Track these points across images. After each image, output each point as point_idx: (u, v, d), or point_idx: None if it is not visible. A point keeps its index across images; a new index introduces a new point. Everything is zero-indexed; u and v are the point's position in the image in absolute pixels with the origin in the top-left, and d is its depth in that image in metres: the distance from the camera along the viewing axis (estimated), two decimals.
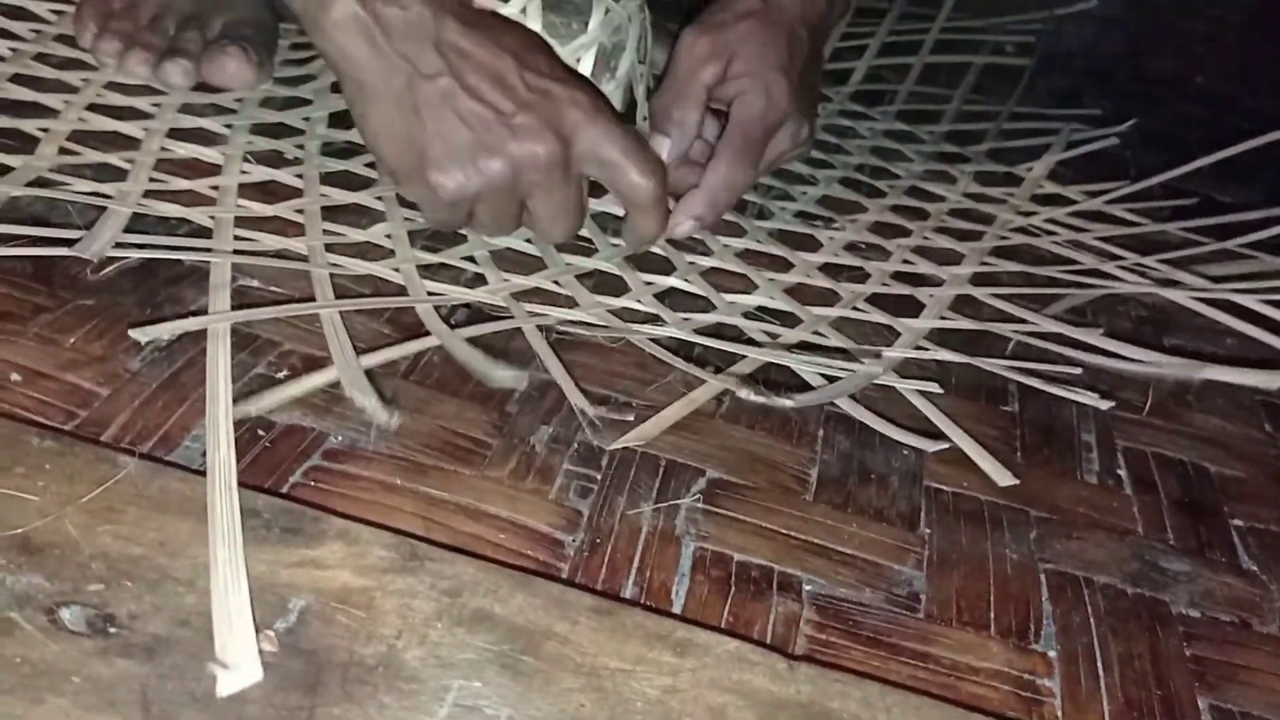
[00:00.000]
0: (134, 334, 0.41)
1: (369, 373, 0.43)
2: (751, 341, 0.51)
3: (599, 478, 0.41)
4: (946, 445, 0.46)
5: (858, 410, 0.48)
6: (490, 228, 0.52)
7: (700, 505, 0.41)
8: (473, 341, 0.46)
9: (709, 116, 0.58)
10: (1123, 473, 0.49)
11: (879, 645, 0.37)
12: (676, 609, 0.36)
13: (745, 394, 0.45)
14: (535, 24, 0.61)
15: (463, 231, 0.54)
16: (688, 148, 0.58)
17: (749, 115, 0.56)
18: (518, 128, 0.48)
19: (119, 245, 0.47)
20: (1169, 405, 0.54)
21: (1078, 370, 0.53)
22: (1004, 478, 0.45)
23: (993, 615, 0.39)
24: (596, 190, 0.62)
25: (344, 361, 0.43)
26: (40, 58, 0.62)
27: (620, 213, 0.60)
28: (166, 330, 0.42)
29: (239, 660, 0.30)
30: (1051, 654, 0.38)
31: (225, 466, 0.35)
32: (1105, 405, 0.51)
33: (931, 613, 0.39)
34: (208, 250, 0.48)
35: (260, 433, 0.40)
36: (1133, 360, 0.54)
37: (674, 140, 0.58)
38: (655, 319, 0.51)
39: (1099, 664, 0.38)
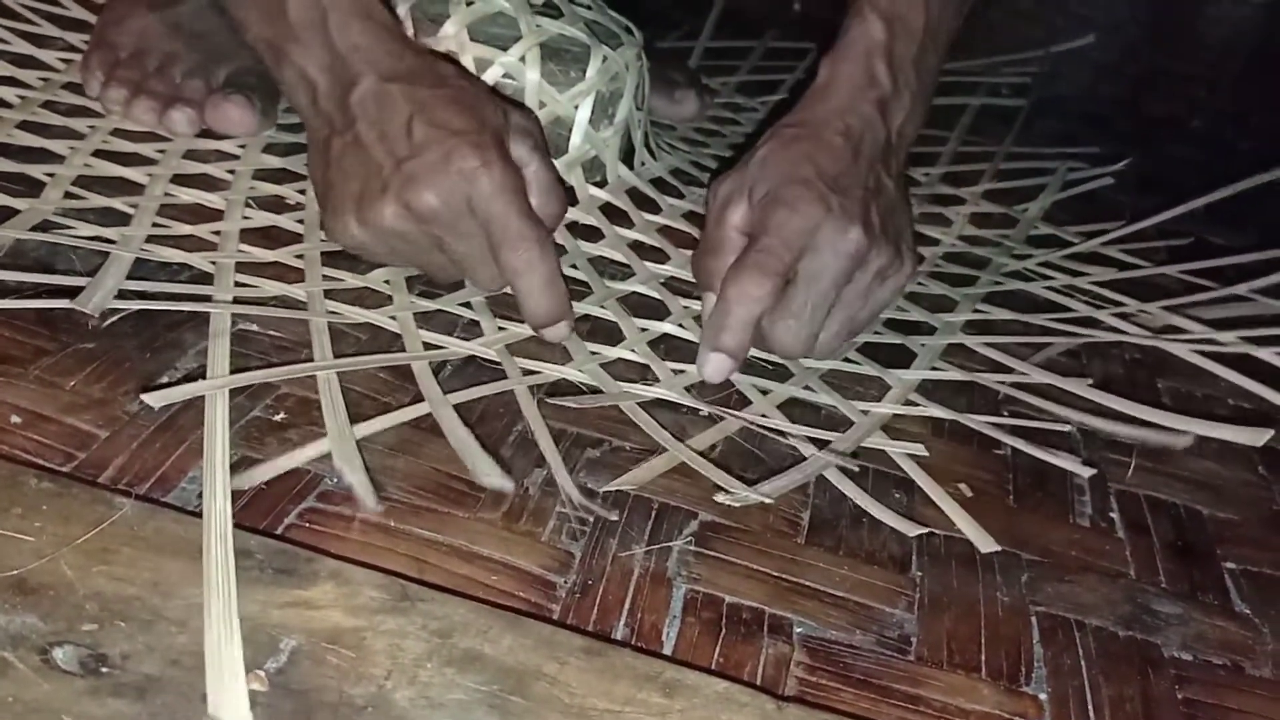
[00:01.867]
0: (145, 398, 0.41)
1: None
2: (741, 397, 0.51)
3: (591, 520, 0.42)
4: (927, 529, 0.45)
5: (844, 484, 0.47)
6: (432, 274, 0.53)
7: (692, 547, 0.41)
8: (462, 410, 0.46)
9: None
10: (1115, 516, 0.49)
11: (869, 687, 0.37)
12: (667, 650, 0.37)
13: (723, 499, 0.44)
14: (534, 73, 0.62)
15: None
16: None
17: (766, 227, 0.50)
18: (405, 176, 0.48)
19: (120, 295, 0.47)
20: (1161, 449, 0.54)
21: (1067, 428, 0.53)
22: (986, 544, 0.44)
23: (983, 658, 0.39)
24: (595, 235, 0.63)
25: (337, 432, 0.42)
26: (48, 105, 0.64)
27: (619, 257, 0.61)
28: (176, 395, 0.42)
29: (229, 708, 0.30)
30: (1042, 697, 0.38)
31: (222, 519, 0.35)
32: (1087, 473, 0.50)
33: (922, 655, 0.39)
34: (207, 299, 0.49)
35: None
36: (1120, 417, 0.54)
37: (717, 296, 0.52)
38: (648, 370, 0.52)
39: (1090, 707, 0.38)
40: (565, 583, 0.38)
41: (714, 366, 0.50)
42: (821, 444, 0.49)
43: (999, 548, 0.45)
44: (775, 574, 0.41)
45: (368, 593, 0.35)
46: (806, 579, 0.41)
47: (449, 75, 0.52)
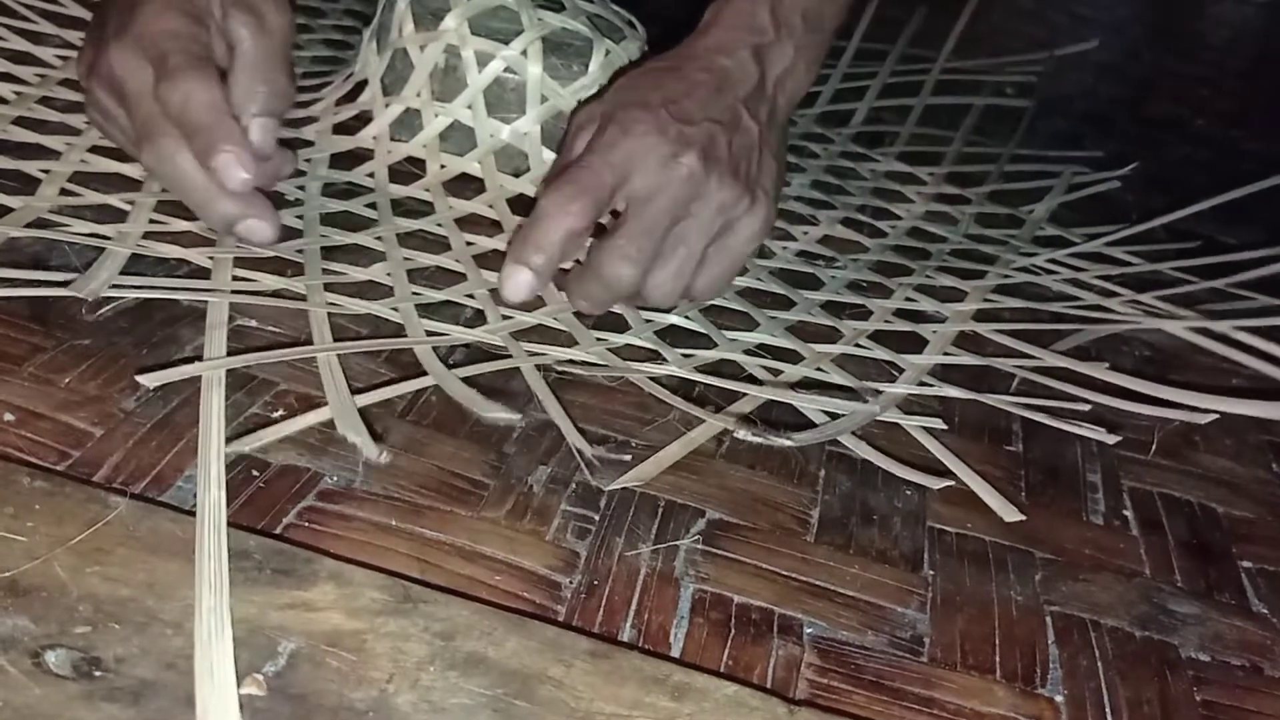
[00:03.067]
0: (141, 379, 0.41)
1: (363, 412, 0.43)
2: (752, 379, 0.51)
3: (597, 518, 0.41)
4: (950, 482, 0.46)
5: (860, 447, 0.47)
6: (122, 143, 0.53)
7: (700, 546, 0.41)
8: (470, 382, 0.46)
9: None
10: (1129, 513, 0.48)
11: (882, 689, 0.36)
12: (675, 652, 0.36)
13: (743, 434, 0.45)
14: (536, 66, 0.61)
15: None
16: None
17: (593, 146, 0.49)
18: (100, 37, 0.50)
19: (116, 285, 0.47)
20: (1175, 445, 0.53)
21: (1086, 406, 0.53)
22: (1010, 513, 0.45)
23: (998, 659, 0.38)
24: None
25: (337, 399, 0.42)
26: (44, 101, 0.63)
27: None
28: (173, 375, 0.41)
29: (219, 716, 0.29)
30: (1058, 698, 0.37)
31: (216, 510, 0.34)
32: (1112, 439, 0.51)
33: (935, 656, 0.38)
34: (205, 290, 0.48)
35: (254, 473, 0.39)
36: (1138, 397, 0.54)
37: None
38: (656, 356, 0.51)
39: (1107, 709, 0.37)
40: (570, 583, 0.38)
41: (514, 282, 0.47)
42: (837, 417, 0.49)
43: (1022, 516, 0.44)
44: (785, 573, 0.40)
45: (369, 594, 0.34)
46: (817, 578, 0.40)
47: None
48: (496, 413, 0.43)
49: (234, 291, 0.48)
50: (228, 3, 0.52)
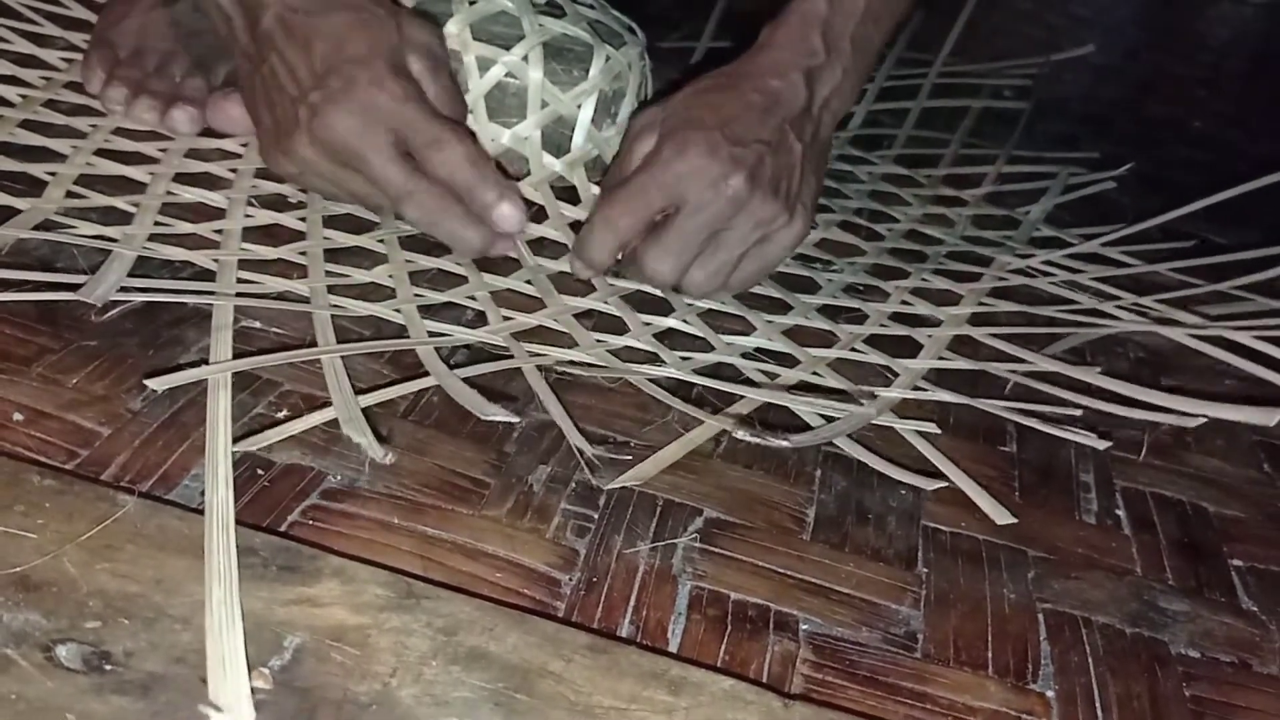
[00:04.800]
0: (149, 383, 0.42)
1: (366, 412, 0.43)
2: (749, 382, 0.51)
3: (596, 517, 0.41)
4: (944, 484, 0.46)
5: (856, 450, 0.48)
6: (364, 202, 0.55)
7: (697, 544, 0.41)
8: (471, 383, 0.47)
9: None
10: (1121, 513, 0.49)
11: (876, 685, 0.37)
12: (673, 648, 0.36)
13: (742, 435, 0.46)
14: (537, 72, 0.62)
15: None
16: None
17: (650, 163, 0.53)
18: (311, 108, 0.51)
19: (123, 289, 0.48)
20: (1167, 445, 0.54)
21: (1078, 411, 0.54)
22: (1002, 516, 0.45)
23: (990, 655, 0.39)
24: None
25: (342, 400, 0.43)
26: (50, 104, 0.63)
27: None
28: (180, 379, 0.42)
29: (232, 702, 0.30)
30: (1049, 694, 0.38)
31: (224, 508, 0.35)
32: (1103, 445, 0.51)
33: (929, 652, 0.39)
34: (210, 293, 0.49)
35: (259, 472, 0.40)
36: (1130, 402, 0.54)
37: None
38: (654, 359, 0.52)
39: (1097, 704, 0.38)
40: (570, 580, 0.38)
41: (577, 268, 0.57)
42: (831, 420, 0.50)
43: (1014, 519, 0.45)
44: (781, 570, 0.41)
45: (372, 590, 0.35)
46: (812, 576, 0.41)
47: (348, 11, 0.54)
48: (496, 414, 0.44)
49: (239, 294, 0.49)
50: (404, 46, 0.54)
